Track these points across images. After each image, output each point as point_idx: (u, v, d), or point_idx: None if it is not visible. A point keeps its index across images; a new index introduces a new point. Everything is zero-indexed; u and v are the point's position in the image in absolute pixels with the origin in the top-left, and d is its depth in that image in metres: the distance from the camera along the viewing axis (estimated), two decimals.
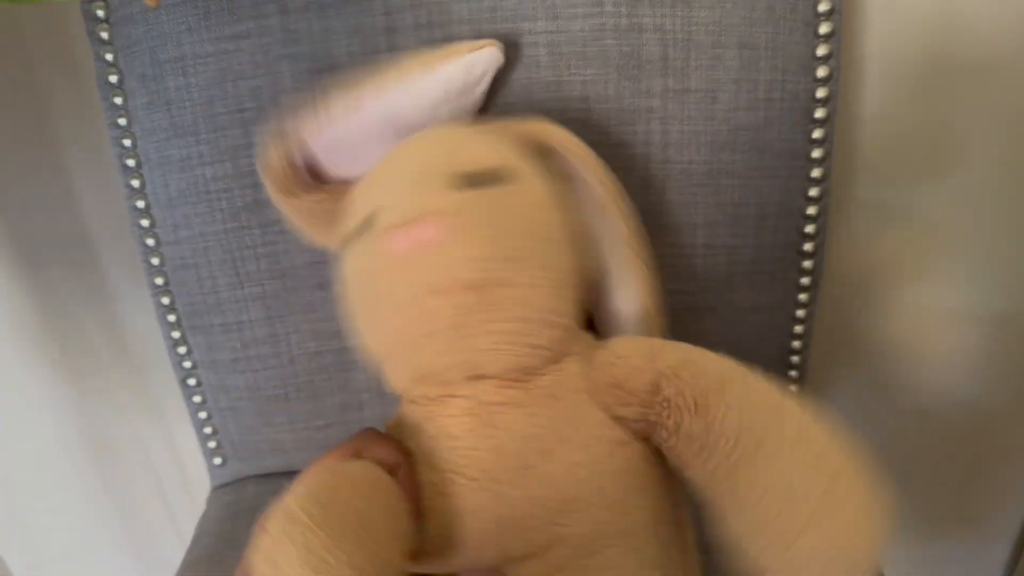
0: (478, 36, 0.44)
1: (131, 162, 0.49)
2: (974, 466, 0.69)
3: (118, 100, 0.47)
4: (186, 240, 0.50)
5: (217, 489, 0.59)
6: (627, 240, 0.39)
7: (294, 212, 0.43)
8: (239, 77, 0.46)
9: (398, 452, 0.33)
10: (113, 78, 0.47)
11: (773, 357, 0.55)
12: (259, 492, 0.57)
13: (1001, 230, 0.57)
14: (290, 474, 0.56)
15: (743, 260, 0.50)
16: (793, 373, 0.56)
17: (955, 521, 0.73)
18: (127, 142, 0.48)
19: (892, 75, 0.52)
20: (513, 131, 0.38)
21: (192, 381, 0.55)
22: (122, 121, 0.48)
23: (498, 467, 0.32)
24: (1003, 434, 0.67)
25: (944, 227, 0.58)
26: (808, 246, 0.51)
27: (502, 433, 0.33)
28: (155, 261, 0.51)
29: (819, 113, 0.47)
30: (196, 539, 0.56)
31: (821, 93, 0.47)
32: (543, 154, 0.38)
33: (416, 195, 0.33)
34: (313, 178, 0.42)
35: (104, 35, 0.46)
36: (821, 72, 0.46)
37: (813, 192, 0.49)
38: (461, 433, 0.33)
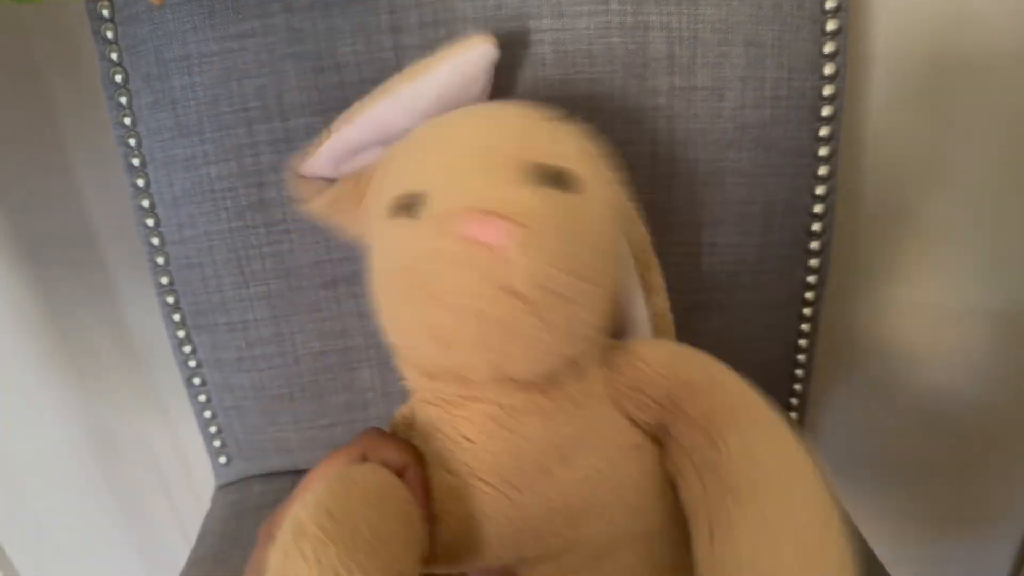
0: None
1: (136, 161, 0.49)
2: (978, 465, 0.69)
3: (123, 99, 0.47)
4: (191, 239, 0.50)
5: (222, 488, 0.59)
6: (644, 245, 0.38)
7: (322, 211, 0.40)
8: (244, 76, 0.46)
9: (406, 453, 0.33)
10: (118, 77, 0.47)
11: (779, 355, 0.55)
12: (264, 491, 0.57)
13: (1005, 229, 0.57)
14: (295, 473, 0.57)
15: (749, 258, 0.50)
16: (798, 371, 0.56)
17: (959, 521, 0.73)
18: (132, 141, 0.48)
19: (898, 73, 0.52)
20: (560, 119, 0.35)
21: (197, 380, 0.55)
22: (127, 120, 0.48)
23: (517, 473, 0.32)
24: (1007, 433, 0.66)
25: (949, 225, 0.57)
26: (814, 244, 0.51)
27: (522, 439, 0.32)
28: (160, 260, 0.51)
29: (826, 111, 0.47)
30: (201, 538, 0.55)
31: (828, 91, 0.46)
32: None
33: (487, 182, 0.30)
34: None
35: (109, 34, 0.46)
36: (828, 69, 0.46)
37: (819, 190, 0.49)
38: (480, 438, 0.32)
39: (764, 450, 0.30)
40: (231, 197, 0.48)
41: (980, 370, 0.63)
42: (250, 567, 0.35)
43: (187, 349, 0.54)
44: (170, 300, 0.52)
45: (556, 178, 0.30)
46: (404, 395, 0.37)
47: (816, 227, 0.50)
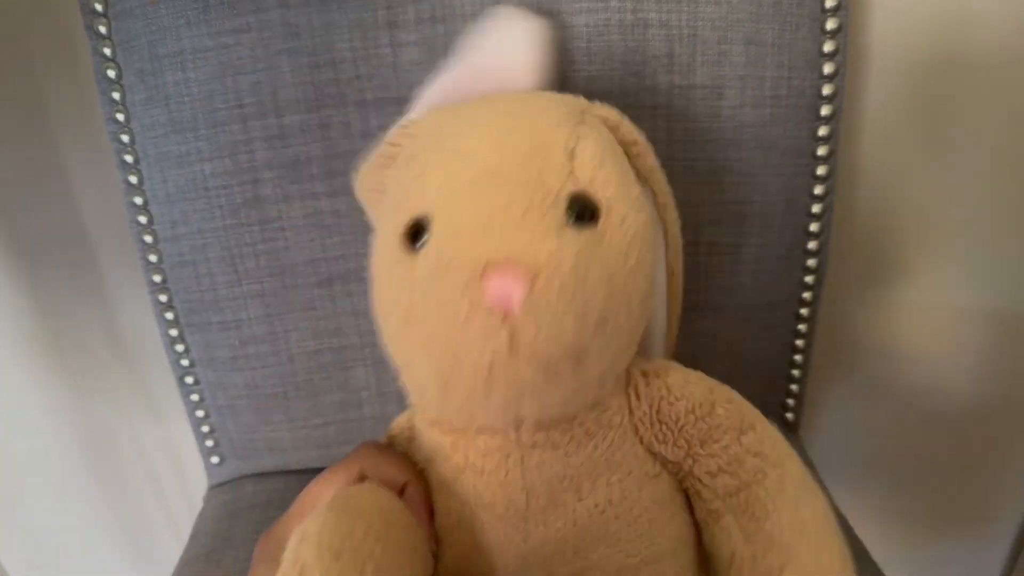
0: None
1: (129, 158, 0.48)
2: (973, 466, 0.69)
3: (116, 95, 0.47)
4: (184, 237, 0.49)
5: (214, 488, 0.59)
6: (676, 268, 0.36)
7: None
8: (239, 72, 0.45)
9: (406, 470, 0.32)
10: (111, 73, 0.47)
11: (776, 355, 0.55)
12: (257, 491, 0.56)
13: (1004, 229, 0.57)
14: (288, 473, 0.57)
15: (747, 258, 0.50)
16: (795, 372, 0.56)
17: (953, 521, 0.73)
18: (125, 138, 0.48)
19: (897, 72, 0.52)
20: (584, 112, 0.31)
21: (190, 379, 0.54)
22: (120, 116, 0.47)
23: (527, 505, 0.31)
24: (1003, 434, 0.66)
25: (947, 225, 0.57)
26: (812, 244, 0.51)
27: (534, 473, 0.31)
28: (153, 258, 0.51)
29: (825, 110, 0.47)
30: (193, 538, 0.55)
31: (827, 90, 0.46)
32: None
33: (492, 215, 0.26)
34: None
35: (102, 29, 0.46)
36: (827, 68, 0.46)
37: (818, 190, 0.49)
38: (489, 467, 0.31)
39: (794, 494, 0.30)
40: (225, 194, 0.48)
41: (977, 371, 0.63)
42: (262, 545, 0.34)
43: (180, 348, 0.53)
44: (163, 298, 0.52)
45: (572, 205, 0.27)
46: (400, 395, 0.36)
47: (814, 227, 0.50)
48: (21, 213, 0.60)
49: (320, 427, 0.54)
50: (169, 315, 0.52)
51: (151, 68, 0.46)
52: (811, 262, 0.51)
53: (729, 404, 0.32)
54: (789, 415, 0.58)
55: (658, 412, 0.32)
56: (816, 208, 0.49)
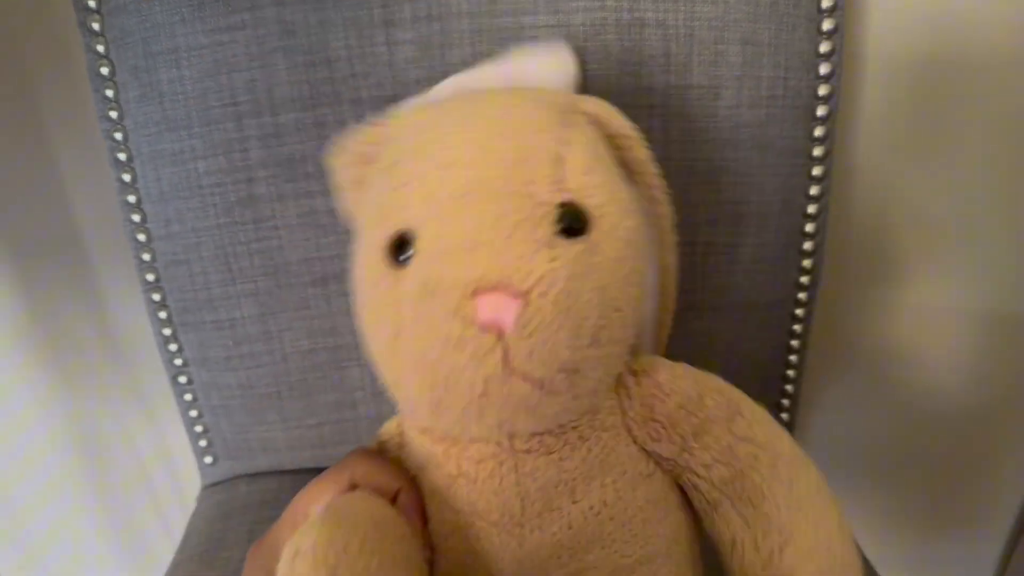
0: (478, 30, 0.44)
1: (122, 156, 0.48)
2: (968, 465, 0.69)
3: (109, 92, 0.47)
4: (178, 235, 0.49)
5: (208, 488, 0.58)
6: (670, 264, 0.36)
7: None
8: (233, 69, 0.45)
9: (398, 477, 0.32)
10: (104, 70, 0.46)
11: (771, 355, 0.55)
12: (250, 491, 0.56)
13: (999, 230, 0.57)
14: (282, 473, 0.56)
15: (743, 258, 0.50)
16: (790, 372, 0.56)
17: (946, 521, 0.73)
18: (118, 135, 0.48)
19: (894, 72, 0.52)
20: (571, 110, 0.31)
21: (183, 379, 0.54)
22: (113, 114, 0.47)
23: (522, 511, 0.31)
24: (996, 435, 0.67)
25: (943, 226, 0.58)
26: (808, 245, 0.51)
27: (529, 479, 0.30)
28: (146, 257, 0.50)
29: (821, 110, 0.47)
30: (186, 538, 0.55)
31: (823, 90, 0.46)
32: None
33: (479, 231, 0.25)
34: None
35: (95, 25, 0.45)
36: (823, 69, 0.46)
37: (814, 190, 0.49)
38: (482, 475, 0.30)
39: (787, 472, 0.31)
40: (219, 193, 0.48)
41: (971, 372, 0.63)
42: (256, 550, 0.34)
43: (173, 347, 0.53)
44: (156, 297, 0.51)
45: (562, 216, 0.26)
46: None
47: (810, 227, 0.50)
48: (13, 211, 0.60)
49: (314, 427, 0.54)
50: (162, 314, 0.52)
51: (145, 65, 0.45)
52: (807, 262, 0.51)
53: (717, 394, 0.32)
54: (784, 415, 0.58)
55: (651, 411, 0.32)
56: (812, 208, 0.49)
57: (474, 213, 0.26)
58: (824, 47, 0.45)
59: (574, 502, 0.31)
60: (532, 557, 0.31)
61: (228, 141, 0.46)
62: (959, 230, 0.57)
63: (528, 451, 0.30)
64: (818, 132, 0.47)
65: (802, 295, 0.52)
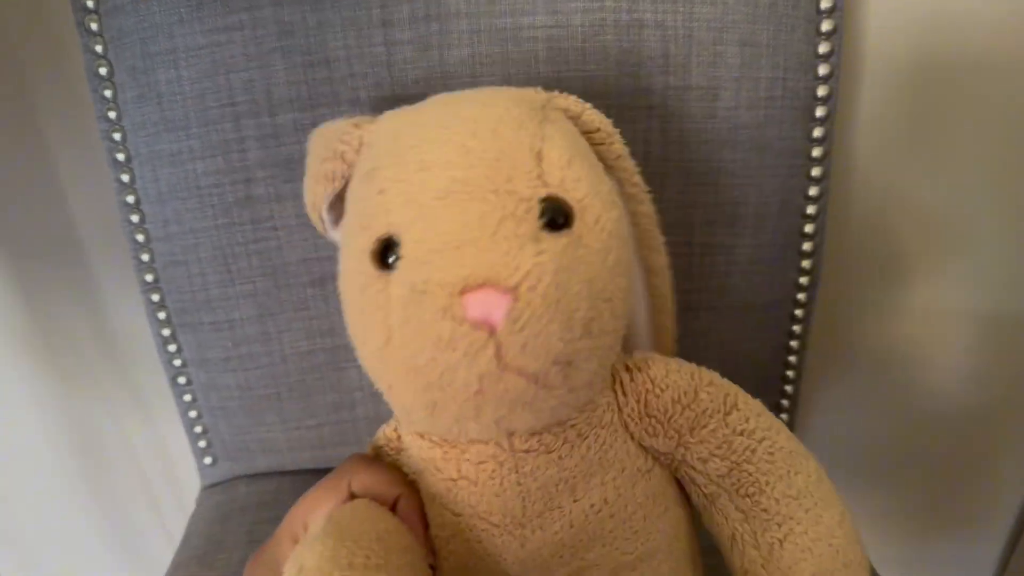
0: (476, 30, 0.44)
1: (121, 156, 0.48)
2: (967, 465, 0.69)
3: (107, 93, 0.47)
4: (176, 236, 0.49)
5: (207, 489, 0.58)
6: (657, 265, 0.36)
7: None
8: (231, 70, 0.45)
9: (396, 484, 0.32)
10: (102, 70, 0.46)
11: (770, 356, 0.55)
12: (250, 492, 0.56)
13: (998, 231, 0.57)
14: (281, 474, 0.56)
15: (742, 259, 0.50)
16: (790, 372, 0.56)
17: (946, 521, 0.73)
18: (117, 136, 0.47)
19: (892, 74, 0.52)
20: (546, 107, 0.31)
21: (182, 380, 0.54)
22: (111, 114, 0.47)
23: (523, 511, 0.31)
24: (995, 435, 0.67)
25: (941, 227, 0.58)
26: (807, 245, 0.51)
27: (529, 479, 0.30)
28: (144, 257, 0.50)
29: (819, 111, 0.47)
30: (185, 539, 0.55)
31: (822, 91, 0.46)
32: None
33: (464, 231, 0.25)
34: None
35: (93, 26, 0.45)
36: (822, 70, 0.46)
37: (812, 191, 0.49)
38: (482, 478, 0.30)
39: (785, 465, 0.31)
40: (217, 193, 0.47)
41: (971, 372, 0.63)
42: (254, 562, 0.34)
43: (172, 348, 0.53)
44: (155, 298, 0.51)
45: (545, 210, 0.26)
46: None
47: (809, 228, 0.50)
48: (12, 212, 0.60)
49: (313, 428, 0.54)
50: (161, 315, 0.52)
51: (143, 66, 0.45)
52: (806, 263, 0.51)
53: (711, 387, 0.32)
54: (784, 415, 0.58)
55: (646, 406, 0.32)
56: (811, 209, 0.49)
57: (457, 213, 0.26)
58: (823, 48, 0.45)
59: (575, 500, 0.31)
60: (534, 557, 0.31)
61: (226, 142, 0.46)
62: (959, 230, 0.57)
63: (528, 451, 0.30)
64: (817, 133, 0.47)
65: (801, 296, 0.52)
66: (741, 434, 0.31)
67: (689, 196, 0.47)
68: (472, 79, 0.45)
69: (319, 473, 0.34)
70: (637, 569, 0.33)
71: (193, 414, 0.55)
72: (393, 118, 0.31)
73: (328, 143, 0.32)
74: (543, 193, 0.27)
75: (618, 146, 0.32)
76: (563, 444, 0.30)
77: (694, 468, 0.32)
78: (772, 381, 0.56)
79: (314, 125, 0.45)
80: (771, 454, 0.31)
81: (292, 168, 0.47)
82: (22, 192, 0.59)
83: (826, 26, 0.45)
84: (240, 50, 0.45)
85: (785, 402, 0.57)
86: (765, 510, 0.31)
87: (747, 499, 0.31)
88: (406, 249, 0.26)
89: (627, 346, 0.33)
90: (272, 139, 0.46)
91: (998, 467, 0.68)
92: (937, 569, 0.76)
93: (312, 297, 0.50)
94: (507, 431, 0.29)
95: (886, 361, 0.64)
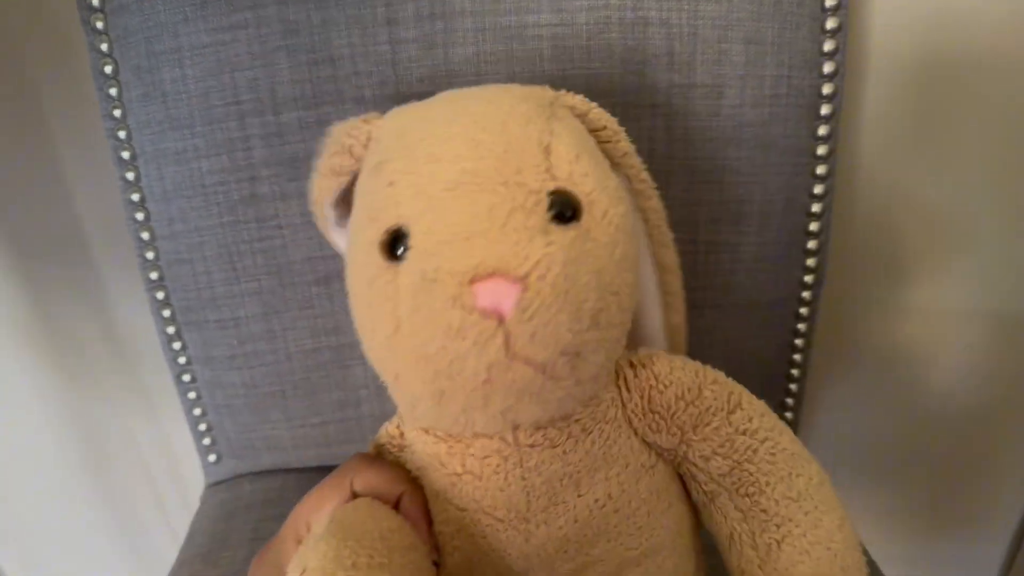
0: (481, 28, 0.44)
1: (126, 154, 0.48)
2: (970, 465, 0.69)
3: (113, 91, 0.47)
4: (181, 234, 0.49)
5: (212, 486, 0.58)
6: (668, 263, 0.36)
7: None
8: (236, 68, 0.45)
9: (399, 481, 0.32)
10: (108, 69, 0.46)
11: (775, 354, 0.55)
12: (254, 489, 0.56)
13: (1003, 230, 0.57)
14: (286, 472, 0.56)
15: (746, 257, 0.50)
16: (794, 371, 0.56)
17: (950, 520, 0.73)
18: (122, 134, 0.48)
19: (897, 71, 0.52)
20: (553, 104, 0.31)
21: (187, 377, 0.54)
22: (117, 113, 0.47)
23: (528, 506, 0.31)
24: (1000, 434, 0.67)
25: (946, 226, 0.57)
26: (811, 243, 0.51)
27: (534, 473, 0.30)
28: (150, 256, 0.50)
29: (824, 109, 0.47)
30: (190, 537, 0.55)
31: (827, 89, 0.46)
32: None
33: (474, 222, 0.25)
34: None
35: (99, 24, 0.45)
36: (827, 68, 0.46)
37: (817, 189, 0.49)
38: (487, 472, 0.30)
39: (786, 467, 0.31)
40: (222, 192, 0.48)
41: (975, 371, 0.63)
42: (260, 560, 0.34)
43: (177, 346, 0.53)
44: (160, 296, 0.51)
45: (553, 203, 0.26)
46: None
47: (813, 226, 0.50)
48: (17, 210, 0.60)
49: (318, 426, 0.54)
50: (166, 313, 0.52)
51: (148, 64, 0.45)
52: (810, 261, 0.51)
53: (715, 385, 0.32)
54: (788, 414, 0.58)
55: (649, 402, 0.32)
56: (816, 207, 0.49)
57: (467, 204, 0.26)
58: (828, 46, 0.45)
59: (579, 496, 0.31)
60: (539, 552, 0.31)
61: (231, 140, 0.46)
62: (963, 229, 0.57)
63: (532, 445, 0.30)
64: (822, 131, 0.47)
65: (806, 294, 0.52)
66: (744, 433, 0.31)
67: (694, 194, 0.47)
68: (477, 77, 0.45)
69: (324, 471, 0.34)
70: (641, 565, 0.33)
71: (198, 412, 0.55)
72: (401, 114, 0.31)
73: (336, 138, 0.32)
74: (552, 186, 0.27)
75: (624, 144, 0.33)
76: (567, 439, 0.30)
77: (695, 465, 0.32)
78: (777, 379, 0.56)
79: (319, 123, 0.46)
80: (773, 455, 0.31)
81: (297, 166, 0.47)
82: (27, 190, 0.59)
83: (831, 24, 0.45)
84: (245, 48, 0.45)
85: (790, 400, 0.57)
86: (764, 511, 0.31)
87: (747, 499, 0.31)
88: (415, 240, 0.26)
89: (635, 343, 0.33)
90: (276, 137, 0.46)
91: (1002, 465, 0.68)
92: (941, 567, 0.76)
93: (317, 295, 0.50)
94: (513, 423, 0.29)
95: (890, 359, 0.64)
